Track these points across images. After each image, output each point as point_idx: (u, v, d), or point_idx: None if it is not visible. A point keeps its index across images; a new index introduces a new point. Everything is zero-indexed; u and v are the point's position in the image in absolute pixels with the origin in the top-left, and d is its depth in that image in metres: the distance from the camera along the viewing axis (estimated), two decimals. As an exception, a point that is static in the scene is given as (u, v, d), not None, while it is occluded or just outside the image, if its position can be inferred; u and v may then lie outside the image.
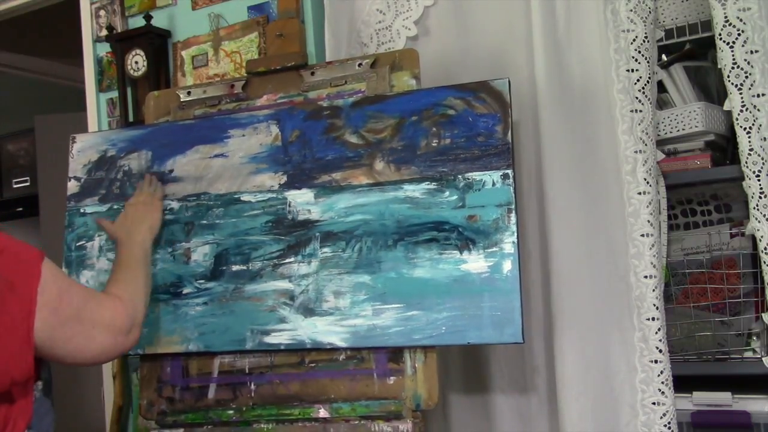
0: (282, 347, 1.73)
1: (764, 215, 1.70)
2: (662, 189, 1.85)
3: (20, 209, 3.83)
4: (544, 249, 1.90)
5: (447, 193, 1.67)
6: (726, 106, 1.77)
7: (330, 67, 1.89)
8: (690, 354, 1.89)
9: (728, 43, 1.72)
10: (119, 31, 2.54)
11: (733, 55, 1.72)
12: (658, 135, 1.86)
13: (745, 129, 1.71)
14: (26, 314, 1.28)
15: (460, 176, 1.67)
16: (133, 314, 1.51)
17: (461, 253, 1.63)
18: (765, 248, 1.70)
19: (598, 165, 1.84)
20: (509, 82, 1.69)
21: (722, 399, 1.78)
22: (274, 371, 1.77)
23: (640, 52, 1.80)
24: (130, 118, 2.47)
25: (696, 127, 1.85)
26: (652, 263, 1.76)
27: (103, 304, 1.45)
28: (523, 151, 1.94)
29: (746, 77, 1.71)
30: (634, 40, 1.80)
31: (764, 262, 1.70)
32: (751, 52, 1.70)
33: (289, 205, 1.77)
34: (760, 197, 1.70)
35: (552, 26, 1.88)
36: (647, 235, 1.77)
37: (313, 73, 1.89)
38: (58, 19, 3.17)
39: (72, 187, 1.95)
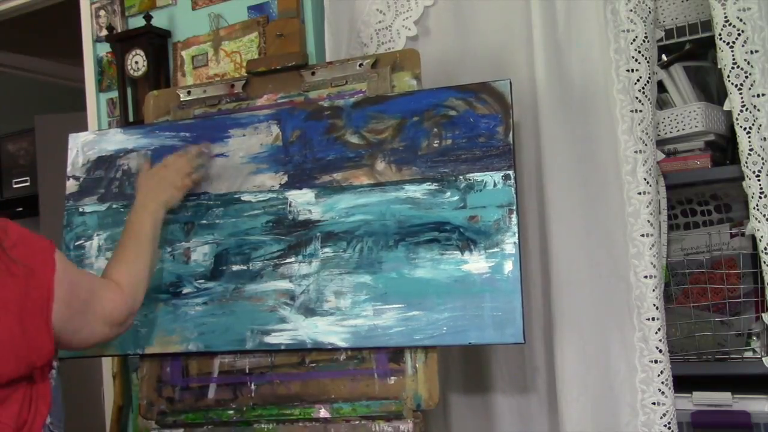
0: (282, 347, 1.73)
1: (764, 215, 1.70)
2: (662, 189, 1.86)
3: (20, 209, 3.83)
4: (544, 249, 1.90)
5: (448, 193, 1.67)
6: (726, 106, 1.77)
7: (331, 67, 1.89)
8: (690, 354, 1.89)
9: (728, 43, 1.72)
10: (119, 31, 2.54)
11: (733, 55, 1.72)
12: (658, 135, 1.86)
13: (745, 129, 1.72)
14: (45, 301, 1.33)
15: (461, 177, 1.67)
16: (132, 304, 1.54)
17: (462, 254, 1.63)
18: (765, 248, 1.70)
19: (598, 165, 1.84)
20: (510, 83, 1.69)
21: (722, 399, 1.78)
22: (274, 371, 1.77)
23: (640, 52, 1.80)
24: (130, 118, 2.47)
25: (696, 127, 1.85)
26: (652, 263, 1.77)
27: (105, 297, 1.48)
28: (523, 151, 1.94)
29: (746, 77, 1.71)
30: (634, 40, 1.80)
31: (764, 262, 1.70)
32: (751, 52, 1.70)
33: (290, 205, 1.77)
34: (760, 197, 1.70)
35: (552, 26, 1.88)
36: (647, 235, 1.77)
37: (313, 73, 1.89)
38: (58, 19, 3.17)
39: (71, 186, 1.95)
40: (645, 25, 1.80)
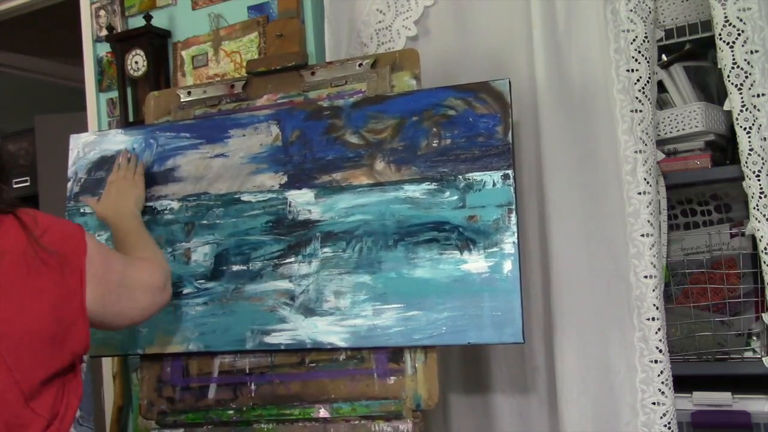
0: (282, 347, 1.73)
1: (764, 215, 1.70)
2: (662, 189, 1.86)
3: (20, 209, 3.83)
4: (544, 249, 1.90)
5: (447, 193, 1.67)
6: (726, 106, 1.77)
7: (330, 68, 1.89)
8: (690, 354, 1.89)
9: (728, 43, 1.72)
10: (119, 31, 2.54)
11: (733, 55, 1.72)
12: (658, 135, 1.86)
13: (745, 129, 1.72)
14: (78, 285, 1.34)
15: (460, 176, 1.67)
16: (164, 270, 1.58)
17: (461, 253, 1.63)
18: (765, 248, 1.70)
19: (598, 165, 1.84)
20: (510, 82, 1.69)
21: (722, 399, 1.78)
22: (274, 371, 1.77)
23: (640, 52, 1.80)
24: (130, 118, 2.48)
25: (696, 127, 1.85)
26: (652, 263, 1.77)
27: (138, 267, 1.52)
28: (522, 151, 1.94)
29: (746, 77, 1.71)
30: (634, 40, 1.80)
31: (764, 262, 1.70)
32: (751, 52, 1.70)
33: (290, 205, 1.78)
34: (760, 197, 1.70)
35: (552, 26, 1.88)
36: (647, 235, 1.77)
37: (313, 73, 1.89)
38: (58, 19, 3.17)
39: (72, 186, 1.95)
40: (645, 25, 1.80)
